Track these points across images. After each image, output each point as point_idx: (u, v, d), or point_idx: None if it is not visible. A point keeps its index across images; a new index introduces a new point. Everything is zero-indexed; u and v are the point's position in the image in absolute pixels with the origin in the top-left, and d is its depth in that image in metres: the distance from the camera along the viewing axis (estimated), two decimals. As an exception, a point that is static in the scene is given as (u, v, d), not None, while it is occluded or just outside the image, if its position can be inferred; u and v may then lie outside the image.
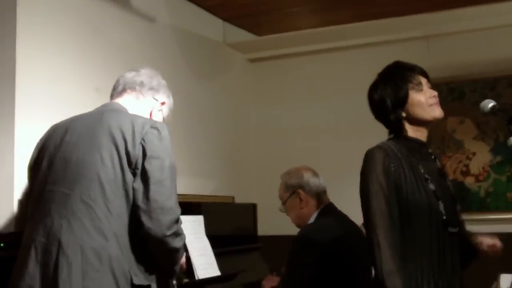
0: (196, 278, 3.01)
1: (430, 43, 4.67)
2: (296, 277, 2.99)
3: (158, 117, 2.60)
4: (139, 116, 2.41)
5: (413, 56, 4.64)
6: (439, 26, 4.58)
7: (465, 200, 4.47)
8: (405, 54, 4.69)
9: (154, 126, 2.34)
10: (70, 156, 2.27)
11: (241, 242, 3.70)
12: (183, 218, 3.09)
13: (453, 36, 4.62)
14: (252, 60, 5.31)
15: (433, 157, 2.50)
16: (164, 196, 2.21)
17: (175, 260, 2.35)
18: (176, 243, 2.25)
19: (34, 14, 3.06)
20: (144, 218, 2.19)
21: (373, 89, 2.52)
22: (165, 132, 2.37)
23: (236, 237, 3.73)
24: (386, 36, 4.73)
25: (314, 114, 5.03)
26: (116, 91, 2.56)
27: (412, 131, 2.43)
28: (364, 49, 4.89)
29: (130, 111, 2.45)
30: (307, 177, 3.24)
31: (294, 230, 3.22)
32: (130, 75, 2.57)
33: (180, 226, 2.27)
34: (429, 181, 2.34)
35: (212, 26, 4.77)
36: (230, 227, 3.73)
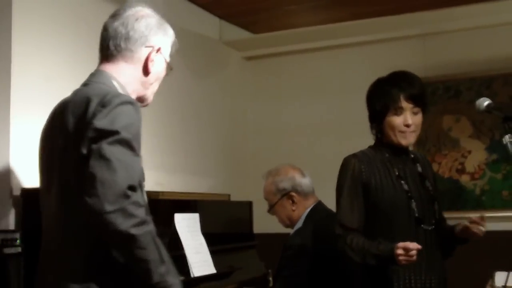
0: (192, 276, 3.01)
1: (426, 42, 4.67)
2: (290, 286, 2.99)
3: (158, 66, 2.22)
4: (100, 91, 2.03)
5: (409, 54, 4.69)
6: (436, 24, 4.58)
7: (460, 198, 4.48)
8: (401, 52, 4.73)
9: (103, 102, 1.95)
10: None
11: (237, 240, 3.70)
12: (179, 216, 3.12)
13: (450, 34, 4.63)
14: (249, 58, 5.31)
15: (413, 161, 2.62)
16: (105, 170, 1.82)
17: (142, 259, 1.83)
18: (125, 224, 1.78)
19: (29, 12, 3.06)
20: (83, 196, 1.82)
21: (370, 88, 2.64)
22: (119, 105, 1.96)
23: (232, 234, 3.73)
24: (382, 34, 4.74)
25: (310, 112, 5.03)
26: (103, 53, 2.18)
27: (392, 138, 2.55)
28: (360, 47, 4.90)
29: (122, 80, 2.14)
30: (298, 178, 3.22)
31: (289, 229, 3.23)
32: (113, 26, 2.16)
33: (133, 206, 1.82)
34: (402, 182, 2.49)
35: (208, 24, 4.77)
36: (226, 224, 3.73)
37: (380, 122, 2.53)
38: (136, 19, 2.19)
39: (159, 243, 1.89)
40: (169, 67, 2.27)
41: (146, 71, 2.19)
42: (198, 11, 4.58)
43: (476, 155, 4.51)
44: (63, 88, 3.16)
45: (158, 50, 2.20)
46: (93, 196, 1.78)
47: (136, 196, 1.84)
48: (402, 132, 2.50)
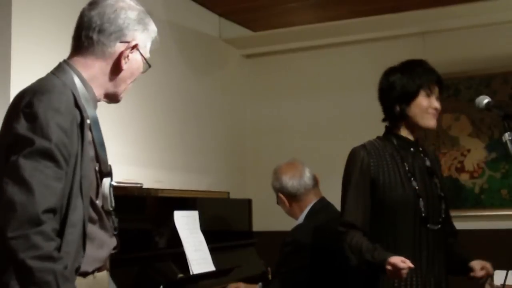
0: (191, 273, 3.01)
1: (425, 40, 4.67)
2: (289, 283, 2.99)
3: (133, 64, 2.02)
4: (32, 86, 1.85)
5: (408, 52, 4.64)
6: (435, 22, 4.58)
7: (459, 196, 4.48)
8: (400, 50, 4.72)
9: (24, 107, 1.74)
10: None
11: (236, 238, 3.71)
12: (179, 213, 3.12)
13: (449, 32, 4.63)
14: (248, 56, 5.31)
15: (422, 155, 2.57)
16: (16, 189, 1.62)
17: None
18: (24, 254, 1.56)
19: (29, 9, 3.05)
20: None
21: (390, 72, 2.58)
22: (38, 107, 1.72)
23: (231, 232, 3.73)
24: (382, 32, 4.74)
25: (309, 110, 5.03)
26: (74, 43, 2.02)
27: (404, 128, 2.52)
28: (360, 45, 4.90)
29: (87, 74, 1.95)
30: (285, 180, 3.22)
31: (289, 226, 3.23)
32: (89, 15, 1.98)
33: (39, 236, 1.59)
34: (412, 179, 2.40)
35: (208, 22, 4.77)
36: (225, 222, 3.73)
37: (406, 106, 2.47)
38: (114, 11, 1.97)
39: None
40: (147, 65, 2.08)
41: (118, 68, 1.99)
42: (198, 8, 4.58)
43: (476, 154, 4.51)
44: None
45: (134, 46, 2.00)
46: None
47: (49, 225, 1.62)
48: (429, 114, 2.48)
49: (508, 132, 2.27)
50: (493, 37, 4.50)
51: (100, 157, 1.94)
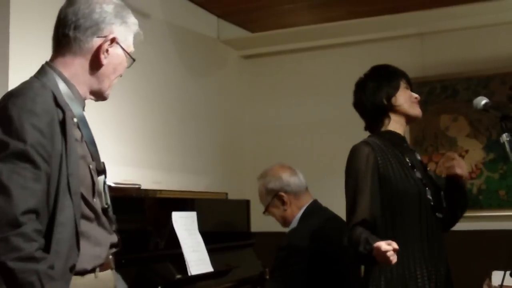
0: (189, 274, 3.01)
1: (424, 41, 4.68)
2: (285, 286, 2.98)
3: (114, 58, 1.98)
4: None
5: (407, 53, 4.69)
6: (433, 23, 4.59)
7: (457, 197, 4.48)
8: (399, 51, 4.73)
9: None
10: None
11: (234, 238, 3.70)
12: (177, 214, 3.12)
13: (447, 33, 4.64)
14: (246, 57, 5.31)
15: (411, 150, 2.64)
16: None
17: None
18: (4, 256, 1.58)
19: (27, 10, 3.05)
20: None
21: (365, 79, 2.66)
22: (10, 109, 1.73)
23: (229, 233, 3.73)
24: (380, 33, 4.74)
25: (308, 111, 5.04)
26: (53, 43, 2.00)
27: (393, 124, 2.56)
28: (358, 46, 4.90)
29: (68, 73, 1.94)
30: (286, 177, 3.20)
31: (287, 227, 3.23)
32: (65, 12, 1.96)
33: (19, 238, 1.61)
34: (415, 170, 2.46)
35: (206, 23, 4.77)
36: (224, 223, 3.73)
37: (393, 96, 2.53)
38: (89, 5, 1.94)
39: (52, 287, 1.64)
40: (131, 59, 2.03)
41: (98, 63, 1.95)
42: (196, 9, 4.58)
43: (473, 155, 4.52)
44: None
45: (113, 40, 1.95)
46: None
47: (29, 226, 1.63)
48: (414, 103, 2.57)
49: (506, 133, 2.28)
50: (491, 38, 4.51)
51: (92, 155, 1.93)
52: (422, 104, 4.71)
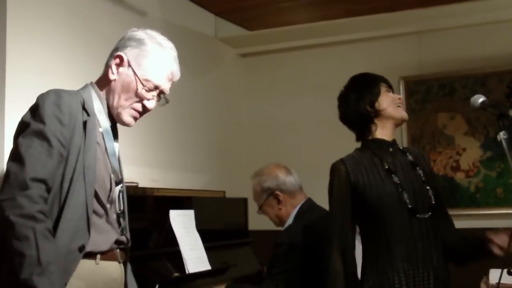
0: (187, 272, 3.01)
1: (421, 39, 4.68)
2: (282, 283, 2.99)
3: (123, 78, 2.18)
4: None
5: (404, 51, 4.69)
6: (431, 22, 4.59)
7: (455, 195, 4.49)
8: (396, 49, 4.73)
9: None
10: None
11: (232, 237, 3.71)
12: (174, 212, 3.12)
13: (445, 32, 4.64)
14: (244, 55, 5.31)
15: (403, 152, 2.63)
16: (12, 163, 1.92)
17: (16, 250, 1.80)
18: (8, 211, 1.82)
19: (24, 8, 3.05)
20: None
21: (345, 92, 2.73)
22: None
23: (227, 231, 3.73)
24: (377, 31, 4.74)
25: (305, 109, 5.04)
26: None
27: (380, 131, 2.59)
28: (355, 45, 4.90)
29: (103, 93, 2.21)
30: (283, 176, 3.22)
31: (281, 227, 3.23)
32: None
33: (25, 198, 1.84)
34: (393, 175, 2.48)
35: (203, 21, 4.77)
36: (221, 221, 3.73)
37: (376, 102, 2.56)
38: (123, 37, 2.25)
39: (45, 245, 1.81)
40: (141, 84, 2.18)
41: (107, 79, 2.19)
42: (193, 7, 4.58)
43: (471, 153, 4.52)
44: (58, 84, 3.15)
45: (121, 59, 2.17)
46: None
47: (36, 191, 1.87)
48: (398, 106, 2.58)
49: (503, 131, 2.28)
50: (489, 36, 4.51)
51: (112, 166, 2.15)
52: (420, 102, 4.74)
